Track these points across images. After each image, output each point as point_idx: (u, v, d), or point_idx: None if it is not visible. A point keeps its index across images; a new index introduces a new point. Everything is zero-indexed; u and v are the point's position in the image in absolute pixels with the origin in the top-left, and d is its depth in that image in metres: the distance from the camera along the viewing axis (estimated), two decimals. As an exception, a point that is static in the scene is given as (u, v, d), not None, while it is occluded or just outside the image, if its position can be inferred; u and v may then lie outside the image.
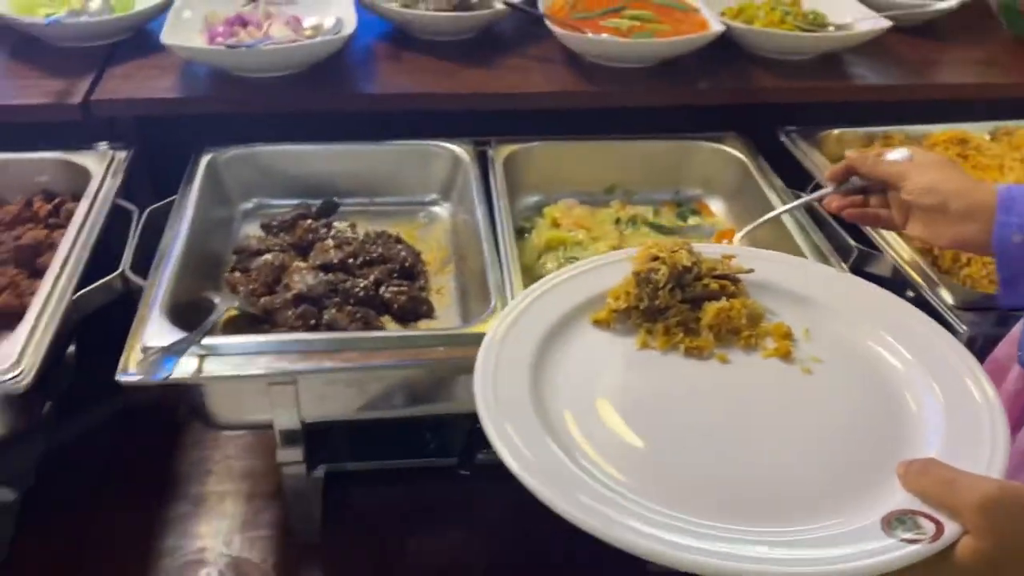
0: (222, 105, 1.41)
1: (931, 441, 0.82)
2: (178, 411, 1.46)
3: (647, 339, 0.96)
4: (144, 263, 1.19)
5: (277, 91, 1.42)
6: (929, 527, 0.68)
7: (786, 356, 0.94)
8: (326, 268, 1.23)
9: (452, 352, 1.05)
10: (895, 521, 0.71)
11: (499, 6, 1.57)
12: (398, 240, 1.34)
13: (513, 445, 0.80)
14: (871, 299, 1.00)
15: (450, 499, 1.32)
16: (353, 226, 1.39)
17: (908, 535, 0.69)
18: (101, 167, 1.33)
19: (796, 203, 1.17)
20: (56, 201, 1.32)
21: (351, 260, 1.26)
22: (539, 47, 1.59)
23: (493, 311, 1.09)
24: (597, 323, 0.98)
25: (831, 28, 1.56)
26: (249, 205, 1.42)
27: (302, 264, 1.25)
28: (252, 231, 1.36)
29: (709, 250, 1.05)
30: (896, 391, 0.89)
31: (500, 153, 1.41)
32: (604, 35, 1.48)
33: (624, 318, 0.98)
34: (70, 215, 1.29)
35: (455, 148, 1.43)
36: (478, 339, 0.92)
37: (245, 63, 1.39)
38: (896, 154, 0.97)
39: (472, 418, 1.34)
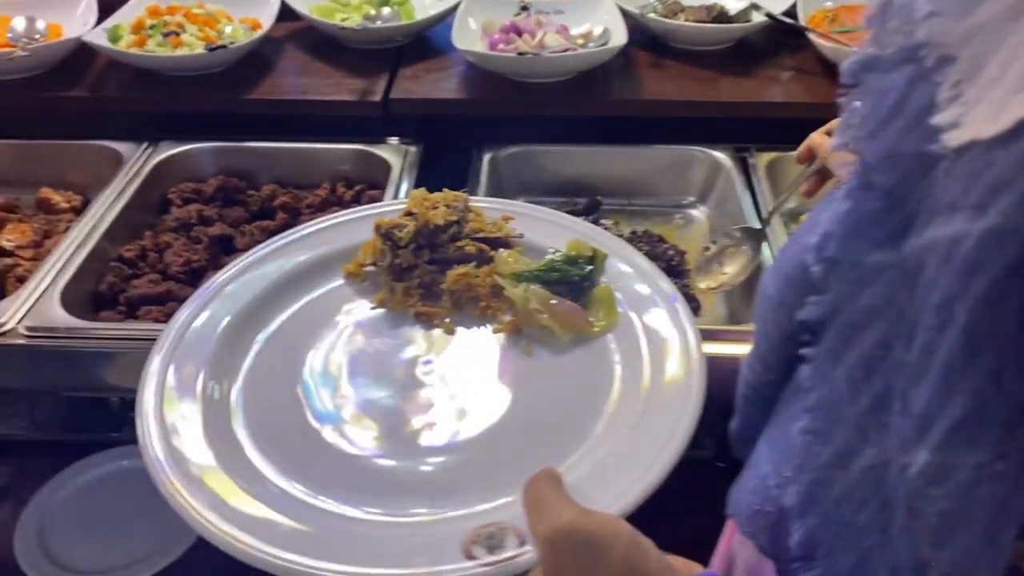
0: (501, 107, 1.53)
1: (599, 447, 0.74)
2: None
3: (386, 296, 0.92)
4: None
5: (550, 95, 1.52)
6: (512, 549, 0.64)
7: (515, 332, 0.89)
8: (601, 262, 1.33)
9: (727, 347, 1.12)
10: (484, 537, 0.66)
11: (758, 18, 1.62)
12: (661, 239, 1.42)
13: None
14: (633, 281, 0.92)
15: (699, 489, 1.39)
16: (616, 224, 1.48)
17: (484, 555, 0.64)
18: (399, 159, 1.47)
19: (787, 194, 1.21)
20: (357, 188, 1.48)
21: (623, 256, 1.34)
22: (794, 58, 1.62)
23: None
24: (349, 275, 0.95)
25: None
26: (521, 200, 1.53)
27: (579, 257, 1.35)
28: (527, 224, 1.48)
29: (511, 209, 1.02)
30: (603, 388, 0.81)
31: (761, 160, 1.46)
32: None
33: (377, 275, 0.95)
34: (371, 201, 1.45)
35: (716, 154, 1.49)
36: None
37: (527, 69, 1.50)
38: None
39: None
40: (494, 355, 0.87)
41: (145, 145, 1.50)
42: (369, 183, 1.50)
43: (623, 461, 0.72)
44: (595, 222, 1.46)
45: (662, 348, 0.83)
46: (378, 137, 1.54)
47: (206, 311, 0.88)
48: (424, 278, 0.93)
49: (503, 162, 1.50)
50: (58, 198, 1.48)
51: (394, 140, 1.53)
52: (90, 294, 1.23)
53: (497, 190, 1.48)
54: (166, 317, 1.17)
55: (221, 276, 0.93)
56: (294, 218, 1.43)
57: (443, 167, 1.54)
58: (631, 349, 0.84)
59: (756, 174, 1.44)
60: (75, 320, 1.11)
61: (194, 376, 0.81)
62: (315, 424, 0.79)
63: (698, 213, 1.52)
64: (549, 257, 0.94)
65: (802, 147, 1.07)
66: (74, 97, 1.55)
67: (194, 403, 0.79)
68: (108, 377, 1.11)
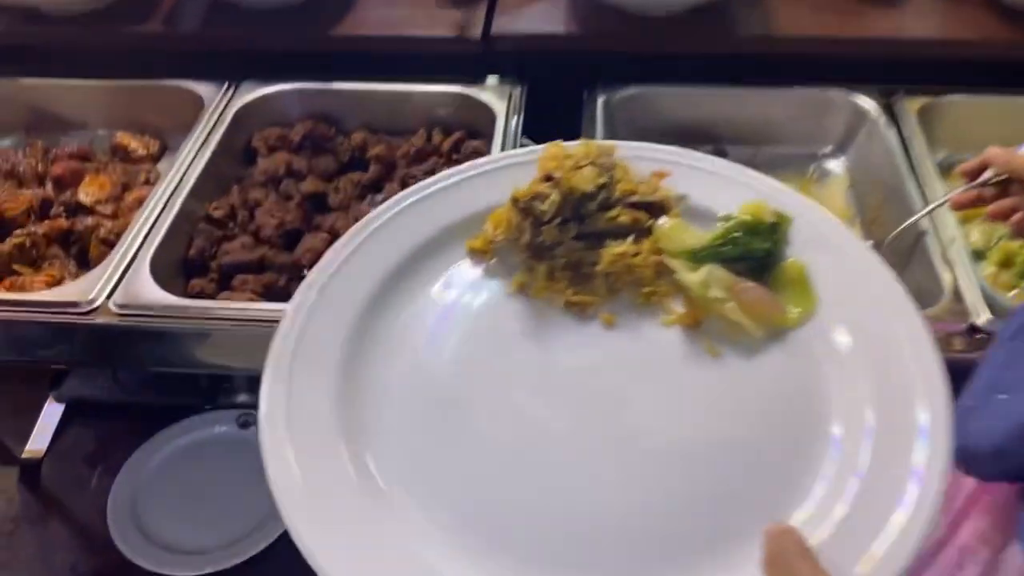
0: (613, 43, 1.38)
1: (835, 491, 0.58)
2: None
3: (526, 280, 0.75)
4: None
5: (670, 30, 1.36)
6: None
7: (694, 326, 0.70)
8: (733, 223, 1.19)
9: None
10: None
11: (906, -62, 1.42)
12: (797, 196, 1.28)
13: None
14: (843, 259, 0.72)
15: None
16: (744, 177, 1.33)
17: None
18: (502, 103, 1.33)
19: (938, 203, 1.08)
20: (456, 136, 1.34)
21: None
22: (944, -14, 1.43)
23: (949, 293, 1.01)
24: (473, 252, 0.77)
25: None
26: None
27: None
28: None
29: (664, 156, 0.80)
30: (821, 406, 0.64)
31: (911, 106, 1.29)
32: (1046, -24, 1.31)
33: (508, 250, 0.76)
34: (473, 152, 1.31)
35: (859, 98, 1.33)
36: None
37: (644, 0, 1.34)
38: None
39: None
40: (673, 357, 0.69)
41: (226, 86, 1.38)
42: (469, 130, 1.36)
43: (871, 512, 0.55)
44: (720, 175, 1.32)
45: (882, 341, 0.64)
46: (477, 77, 1.40)
47: (312, 329, 0.68)
48: (571, 257, 0.75)
49: (617, 105, 1.35)
50: (135, 144, 1.37)
51: (494, 80, 1.39)
52: (179, 260, 1.13)
53: (611, 135, 1.34)
54: (263, 288, 1.07)
55: (320, 276, 0.72)
56: (388, 170, 1.31)
57: (550, 111, 1.40)
58: (841, 345, 0.66)
59: (905, 122, 1.27)
60: (168, 296, 1.00)
61: (321, 413, 0.63)
62: (481, 463, 0.63)
63: (836, 165, 1.36)
64: (722, 226, 0.74)
65: (975, 161, 0.94)
66: (147, 33, 1.42)
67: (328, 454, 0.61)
68: (202, 356, 1.02)
